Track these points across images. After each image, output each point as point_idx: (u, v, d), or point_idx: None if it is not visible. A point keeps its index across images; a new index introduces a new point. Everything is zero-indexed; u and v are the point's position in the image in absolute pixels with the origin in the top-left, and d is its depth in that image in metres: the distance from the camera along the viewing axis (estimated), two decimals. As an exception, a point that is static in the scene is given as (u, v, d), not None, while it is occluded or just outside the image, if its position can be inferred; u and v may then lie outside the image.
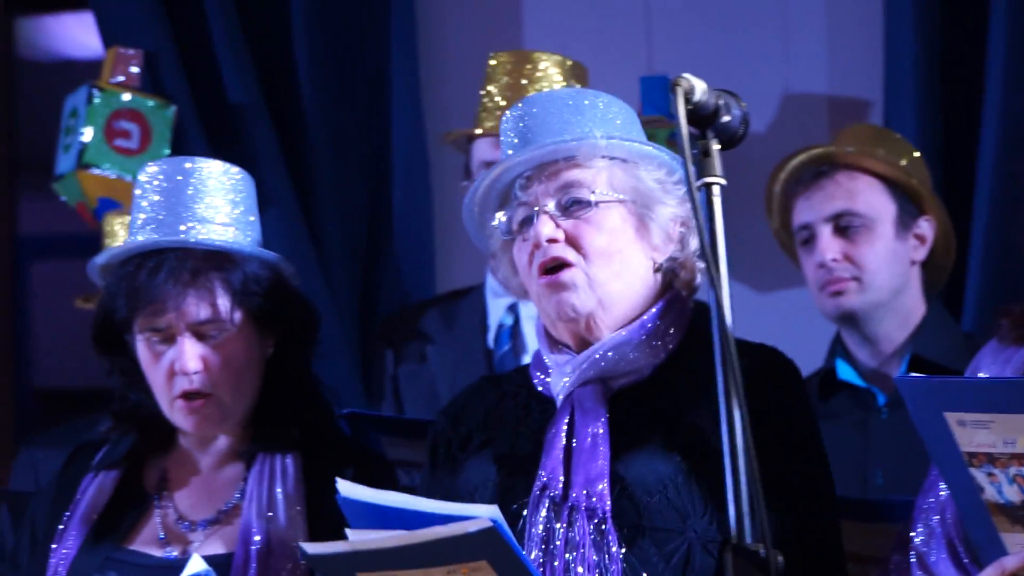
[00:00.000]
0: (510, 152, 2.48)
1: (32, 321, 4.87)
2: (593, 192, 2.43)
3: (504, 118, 2.62)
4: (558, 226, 2.43)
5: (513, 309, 3.68)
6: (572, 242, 2.46)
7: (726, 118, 2.13)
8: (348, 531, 2.37)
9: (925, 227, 3.36)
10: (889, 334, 3.38)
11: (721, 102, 2.14)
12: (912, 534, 2.53)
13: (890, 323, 3.39)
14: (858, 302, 3.35)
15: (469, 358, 3.67)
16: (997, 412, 2.30)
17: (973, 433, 2.36)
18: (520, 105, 2.56)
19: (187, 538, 2.77)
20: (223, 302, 2.72)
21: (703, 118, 2.10)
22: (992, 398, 2.26)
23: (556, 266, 2.41)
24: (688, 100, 2.08)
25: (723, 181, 2.06)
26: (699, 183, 2.06)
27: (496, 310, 3.76)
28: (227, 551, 2.71)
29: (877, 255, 3.34)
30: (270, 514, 2.81)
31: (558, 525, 2.47)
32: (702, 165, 2.11)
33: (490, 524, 2.24)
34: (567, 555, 2.44)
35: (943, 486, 2.49)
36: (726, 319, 2.00)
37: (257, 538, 2.75)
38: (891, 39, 4.00)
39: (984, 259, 3.79)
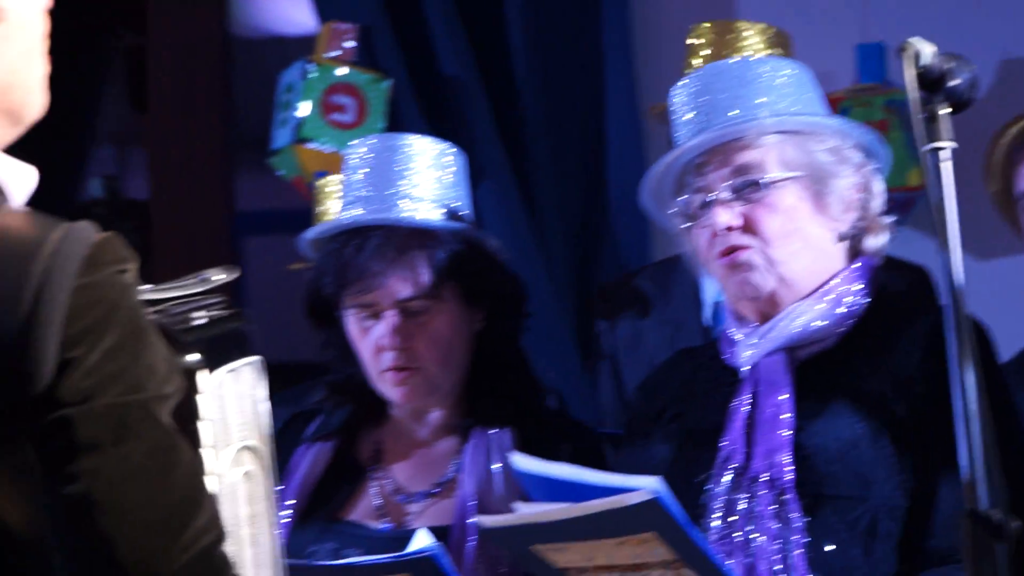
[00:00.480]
0: (681, 130, 2.51)
1: (249, 295, 4.96)
2: (766, 173, 2.44)
3: (674, 92, 2.64)
4: (734, 212, 2.45)
5: None
6: (749, 226, 2.48)
7: (954, 81, 2.08)
8: (517, 504, 2.46)
9: None
10: None
11: (950, 66, 2.09)
12: None
13: None
14: None
15: (686, 332, 3.59)
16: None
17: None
18: (688, 80, 2.59)
19: (404, 510, 2.84)
20: (428, 278, 2.75)
21: (931, 82, 2.08)
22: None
23: (734, 248, 2.48)
24: (915, 64, 2.06)
25: (953, 144, 2.02)
26: (927, 147, 2.03)
27: (710, 286, 3.77)
28: (443, 524, 2.75)
29: None
30: (487, 488, 2.83)
31: (740, 496, 2.47)
32: (930, 130, 2.08)
33: (652, 496, 2.25)
34: (748, 526, 2.45)
35: None
36: (958, 284, 2.02)
37: (475, 512, 2.80)
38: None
39: None
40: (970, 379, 2.02)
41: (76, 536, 1.64)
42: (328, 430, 2.95)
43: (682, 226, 2.57)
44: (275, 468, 1.85)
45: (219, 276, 1.81)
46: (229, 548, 1.69)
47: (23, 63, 1.77)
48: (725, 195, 2.45)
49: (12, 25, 1.70)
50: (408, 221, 2.80)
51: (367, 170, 2.94)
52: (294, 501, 2.93)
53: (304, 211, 3.78)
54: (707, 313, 3.57)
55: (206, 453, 1.71)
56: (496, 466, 2.88)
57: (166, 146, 5.17)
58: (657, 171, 2.54)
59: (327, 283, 2.84)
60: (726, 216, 2.43)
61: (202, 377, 1.71)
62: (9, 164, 1.71)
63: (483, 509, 2.79)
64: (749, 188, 2.48)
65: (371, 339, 2.79)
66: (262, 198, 5.15)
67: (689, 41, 3.61)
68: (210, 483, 1.70)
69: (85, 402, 1.59)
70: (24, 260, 1.61)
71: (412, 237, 2.79)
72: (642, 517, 2.39)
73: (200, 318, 1.76)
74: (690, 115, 2.60)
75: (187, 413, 1.71)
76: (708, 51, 3.60)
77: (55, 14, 2.09)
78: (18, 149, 1.85)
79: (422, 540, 2.68)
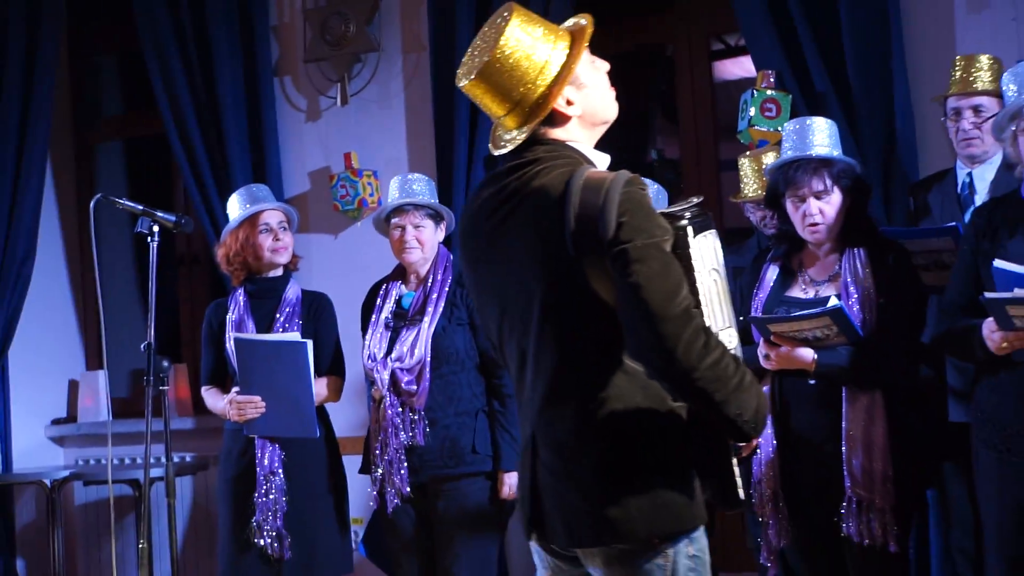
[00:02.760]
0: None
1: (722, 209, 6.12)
2: None
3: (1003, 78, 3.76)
4: None
5: None
6: None
7: None
8: (988, 295, 3.43)
9: None
10: None
11: None
12: None
13: None
14: None
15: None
16: None
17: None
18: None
19: (817, 289, 3.95)
20: (829, 183, 3.88)
21: None
22: None
23: None
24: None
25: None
26: None
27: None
28: (836, 294, 3.83)
29: None
30: (855, 278, 3.88)
31: None
32: None
33: None
34: None
35: None
36: None
37: (854, 294, 3.85)
38: None
39: None
40: None
41: (638, 309, 2.57)
42: (778, 255, 4.08)
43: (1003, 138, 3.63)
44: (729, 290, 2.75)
45: (695, 200, 2.76)
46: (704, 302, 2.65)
47: (605, 97, 2.81)
48: None
49: (593, 77, 2.77)
50: (817, 155, 3.94)
51: (794, 134, 4.06)
52: (768, 285, 4.04)
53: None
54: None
55: (696, 269, 2.65)
56: (859, 265, 3.89)
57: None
58: (1002, 119, 3.61)
59: (779, 185, 3.96)
60: None
61: (687, 235, 2.67)
62: (596, 154, 2.78)
63: (854, 289, 3.86)
64: None
65: (800, 212, 3.91)
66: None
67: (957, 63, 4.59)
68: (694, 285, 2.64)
69: (629, 242, 2.55)
70: (603, 182, 2.61)
71: (820, 163, 3.91)
72: None
73: (685, 211, 2.69)
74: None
75: (681, 251, 2.64)
76: (960, 72, 4.58)
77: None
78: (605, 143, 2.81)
79: (832, 301, 3.78)
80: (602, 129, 2.80)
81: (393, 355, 4.51)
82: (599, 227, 2.54)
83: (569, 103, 2.72)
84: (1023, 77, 3.62)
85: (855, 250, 3.89)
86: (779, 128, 4.97)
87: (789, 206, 3.89)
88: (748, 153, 4.98)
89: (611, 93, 2.79)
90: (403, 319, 4.60)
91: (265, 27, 6.56)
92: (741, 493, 2.72)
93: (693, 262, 2.64)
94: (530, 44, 2.66)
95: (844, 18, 5.19)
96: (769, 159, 4.61)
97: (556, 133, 2.73)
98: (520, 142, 2.71)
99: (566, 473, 2.68)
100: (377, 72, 6.42)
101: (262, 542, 4.52)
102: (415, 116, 6.17)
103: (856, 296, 3.80)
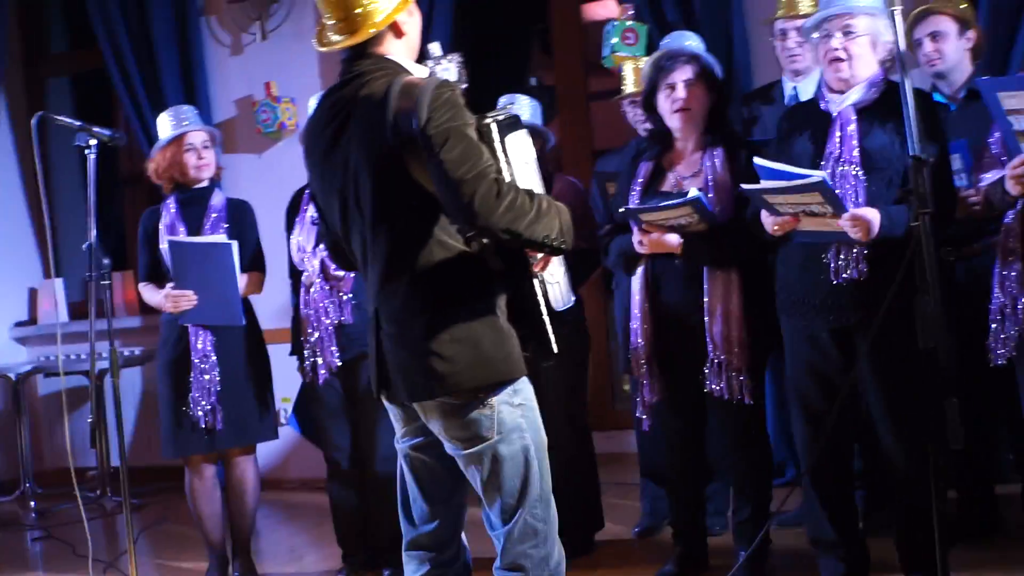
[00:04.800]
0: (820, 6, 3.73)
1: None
2: (855, 30, 3.62)
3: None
4: (840, 43, 3.63)
5: None
6: (844, 50, 3.67)
7: None
8: (744, 187, 3.65)
9: (972, 34, 4.48)
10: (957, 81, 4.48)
11: None
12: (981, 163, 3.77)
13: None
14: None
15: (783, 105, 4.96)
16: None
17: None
18: None
19: (683, 184, 4.11)
20: (696, 73, 4.13)
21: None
22: (1022, 84, 3.33)
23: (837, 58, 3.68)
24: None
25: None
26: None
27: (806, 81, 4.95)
28: (700, 188, 4.00)
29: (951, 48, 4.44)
30: (714, 172, 4.07)
31: (837, 169, 3.66)
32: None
33: (820, 178, 3.45)
34: (842, 182, 3.63)
35: (995, 136, 3.72)
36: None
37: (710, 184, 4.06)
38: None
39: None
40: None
41: (443, 179, 2.71)
42: (652, 155, 4.27)
43: (817, 44, 3.77)
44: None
45: (510, 112, 2.89)
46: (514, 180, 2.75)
47: (419, 31, 2.97)
48: (838, 36, 3.69)
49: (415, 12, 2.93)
50: (688, 49, 4.33)
51: (669, 40, 4.58)
52: (641, 181, 4.21)
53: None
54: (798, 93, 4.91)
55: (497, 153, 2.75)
56: (717, 162, 4.07)
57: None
58: (810, 24, 3.79)
59: (654, 77, 4.14)
60: (836, 43, 3.69)
61: (492, 131, 2.80)
62: (415, 66, 2.95)
63: (714, 183, 4.05)
64: (847, 36, 3.67)
65: (670, 99, 4.10)
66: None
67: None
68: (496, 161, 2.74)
69: (437, 128, 2.71)
70: (417, 85, 2.76)
71: (690, 56, 4.18)
72: (816, 186, 3.47)
73: (494, 115, 2.82)
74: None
75: (487, 143, 2.76)
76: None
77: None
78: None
79: (693, 192, 3.97)
80: (415, 55, 3.00)
81: (321, 246, 4.58)
82: (412, 120, 2.70)
83: (400, 28, 2.94)
84: None
85: (715, 149, 4.11)
86: (636, 54, 5.41)
87: (661, 98, 4.13)
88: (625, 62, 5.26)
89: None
90: None
91: (192, -30, 6.97)
92: (555, 347, 2.88)
93: (506, 152, 2.81)
94: None
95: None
96: (642, 63, 4.80)
97: (380, 49, 2.92)
98: (348, 46, 2.90)
99: (401, 339, 2.86)
100: (291, 11, 6.87)
101: (199, 413, 4.69)
102: (326, 48, 6.60)
103: (713, 189, 4.03)
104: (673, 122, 4.11)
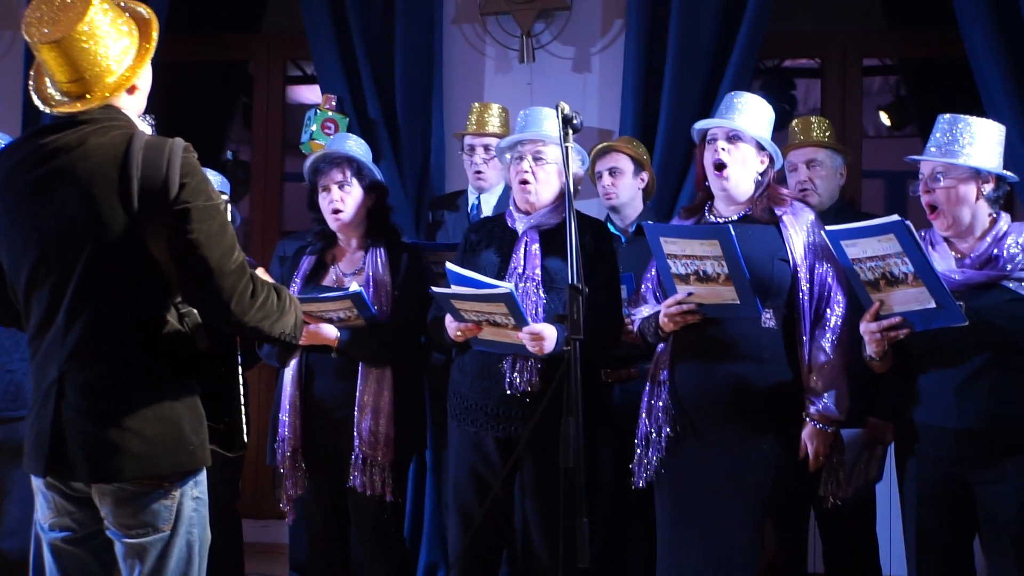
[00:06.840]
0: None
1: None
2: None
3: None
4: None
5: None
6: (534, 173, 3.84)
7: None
8: (434, 289, 3.70)
9: (646, 175, 4.71)
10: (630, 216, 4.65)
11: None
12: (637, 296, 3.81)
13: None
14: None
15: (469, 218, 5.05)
16: (680, 238, 3.44)
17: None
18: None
19: (344, 280, 4.08)
20: (351, 176, 4.08)
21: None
22: (680, 232, 3.41)
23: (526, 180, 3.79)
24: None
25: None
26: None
27: (485, 198, 4.98)
28: (360, 285, 3.95)
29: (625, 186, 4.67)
30: (377, 272, 4.04)
31: (519, 282, 3.72)
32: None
33: (508, 291, 3.51)
34: (533, 293, 3.72)
35: (651, 272, 3.75)
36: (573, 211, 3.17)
37: (371, 282, 4.01)
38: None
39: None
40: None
41: (195, 261, 2.58)
42: (315, 250, 4.23)
43: (509, 163, 3.88)
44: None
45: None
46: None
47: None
48: (528, 159, 3.86)
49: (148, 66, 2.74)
50: (352, 154, 4.15)
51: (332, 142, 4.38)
52: (303, 273, 4.16)
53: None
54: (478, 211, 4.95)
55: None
56: (380, 263, 4.04)
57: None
58: (504, 144, 3.94)
59: (310, 181, 4.16)
60: (527, 166, 3.86)
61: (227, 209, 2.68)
62: (141, 122, 2.71)
63: (374, 282, 4.03)
64: (537, 161, 3.84)
65: (326, 201, 4.10)
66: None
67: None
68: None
69: (191, 202, 2.57)
70: (163, 145, 2.59)
71: (344, 159, 4.10)
72: (503, 297, 3.53)
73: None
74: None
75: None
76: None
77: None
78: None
79: (354, 287, 3.94)
80: (143, 110, 2.83)
81: None
82: (162, 187, 2.56)
83: (134, 87, 2.75)
84: (528, 118, 3.93)
85: (377, 249, 4.11)
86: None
87: (321, 199, 4.13)
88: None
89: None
90: None
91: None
92: (246, 438, 2.79)
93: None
94: (108, 30, 2.64)
95: (398, 60, 5.62)
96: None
97: (112, 101, 2.71)
98: (84, 108, 2.66)
99: (92, 413, 2.62)
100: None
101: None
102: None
103: (373, 287, 4.03)
104: (331, 223, 4.12)
